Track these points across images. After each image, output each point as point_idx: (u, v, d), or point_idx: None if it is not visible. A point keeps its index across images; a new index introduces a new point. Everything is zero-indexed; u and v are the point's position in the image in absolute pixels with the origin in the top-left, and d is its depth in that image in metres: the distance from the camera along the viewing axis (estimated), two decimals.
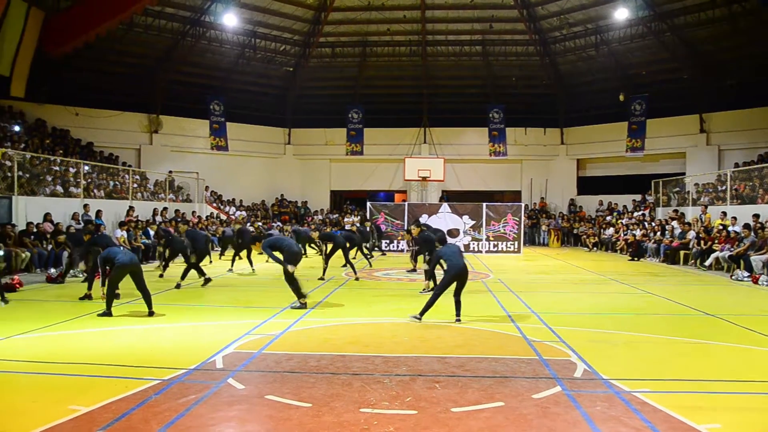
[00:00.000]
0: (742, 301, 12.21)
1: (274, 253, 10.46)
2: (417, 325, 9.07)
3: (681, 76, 27.97)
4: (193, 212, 25.65)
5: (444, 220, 23.31)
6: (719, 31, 24.89)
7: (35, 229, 16.18)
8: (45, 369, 6.53)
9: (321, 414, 5.18)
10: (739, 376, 6.50)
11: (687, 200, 24.48)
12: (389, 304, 11.20)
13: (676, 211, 23.40)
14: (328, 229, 17.58)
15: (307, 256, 21.45)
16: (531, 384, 6.07)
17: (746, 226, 17.10)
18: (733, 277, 15.54)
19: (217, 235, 22.06)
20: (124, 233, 18.09)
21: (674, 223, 21.54)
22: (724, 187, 22.41)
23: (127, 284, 9.81)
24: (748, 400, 5.82)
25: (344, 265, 15.53)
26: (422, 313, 9.24)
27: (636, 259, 21.33)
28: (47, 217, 17.08)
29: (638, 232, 23.13)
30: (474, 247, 23.54)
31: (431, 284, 12.14)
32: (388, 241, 24.03)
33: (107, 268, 9.74)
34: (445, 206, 24.51)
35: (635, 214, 26.56)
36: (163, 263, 15.57)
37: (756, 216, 17.54)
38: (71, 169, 20.90)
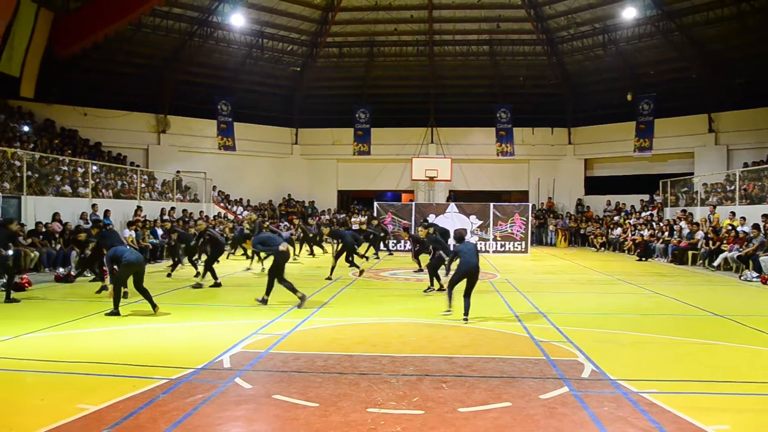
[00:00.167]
0: (750, 301, 12.15)
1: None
2: (424, 325, 9.08)
3: (689, 76, 27.81)
4: (201, 212, 25.71)
5: (451, 219, 23.24)
6: (728, 29, 24.74)
7: (44, 229, 16.27)
8: (53, 368, 6.57)
9: (328, 414, 5.18)
10: (748, 377, 6.46)
11: (695, 200, 24.36)
12: (396, 304, 11.20)
13: (684, 211, 23.28)
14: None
15: (314, 256, 21.52)
16: (538, 384, 6.06)
17: (755, 226, 16.99)
18: (741, 278, 15.44)
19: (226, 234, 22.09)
20: (132, 233, 18.16)
21: (682, 224, 21.43)
22: (732, 187, 22.28)
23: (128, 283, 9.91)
24: (757, 401, 5.79)
25: (351, 265, 15.54)
26: (466, 311, 9.34)
27: (644, 259, 21.24)
28: (56, 217, 17.17)
29: (646, 233, 23.03)
30: (481, 247, 23.41)
31: (437, 284, 12.21)
32: (395, 241, 24.02)
33: (114, 267, 9.80)
34: (452, 206, 24.48)
35: (643, 214, 26.43)
36: (190, 262, 15.40)
37: (765, 216, 17.40)
38: (79, 169, 21.01)
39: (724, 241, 18.12)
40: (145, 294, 9.85)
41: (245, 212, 28.89)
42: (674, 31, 26.15)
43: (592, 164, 32.52)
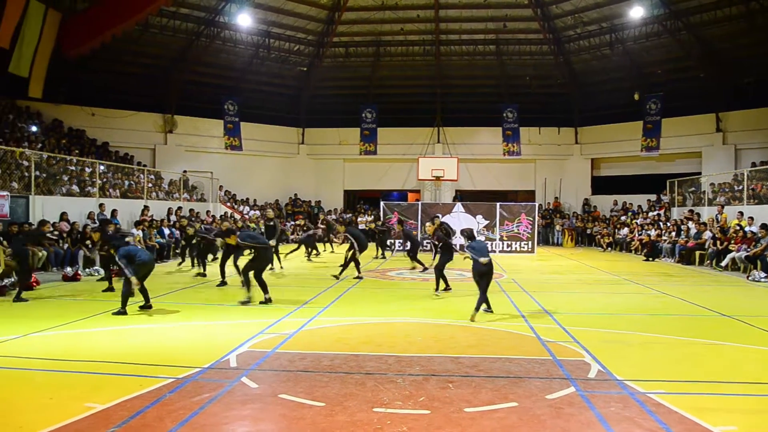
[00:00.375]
0: (758, 302, 12.07)
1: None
2: (430, 324, 9.09)
3: (697, 75, 27.70)
4: (208, 211, 25.79)
5: (458, 219, 23.23)
6: (736, 28, 24.62)
7: (51, 228, 16.32)
8: (61, 367, 6.61)
9: (334, 413, 5.19)
10: (756, 377, 6.43)
11: (702, 200, 24.24)
12: (402, 303, 11.19)
13: (691, 211, 23.17)
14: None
15: (325, 252, 21.51)
16: (545, 384, 6.05)
17: (763, 226, 16.86)
18: (749, 278, 15.36)
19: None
20: (140, 232, 18.24)
21: (690, 224, 21.34)
22: (740, 187, 22.18)
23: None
24: (765, 402, 5.78)
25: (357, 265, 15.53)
26: (477, 308, 9.45)
27: (651, 259, 21.17)
28: (63, 217, 17.25)
29: (653, 232, 22.95)
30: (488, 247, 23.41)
31: (443, 284, 12.19)
32: (401, 241, 23.99)
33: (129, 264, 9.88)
34: (458, 206, 24.45)
35: (650, 214, 26.33)
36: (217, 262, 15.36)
37: None
38: (87, 169, 21.10)
39: (732, 241, 18.02)
40: (144, 292, 9.97)
41: (251, 212, 28.95)
42: (682, 30, 26.04)
43: (598, 164, 32.43)
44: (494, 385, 6.02)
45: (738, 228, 18.29)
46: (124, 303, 9.67)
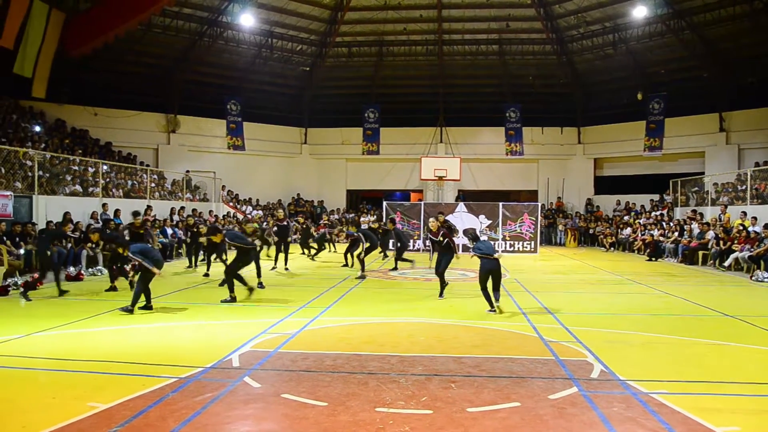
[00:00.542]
0: (761, 302, 12.04)
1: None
2: (433, 324, 9.09)
3: (700, 75, 27.64)
4: (210, 211, 25.81)
5: (460, 219, 23.22)
6: (739, 28, 24.55)
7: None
8: (64, 366, 6.63)
9: (337, 413, 5.19)
10: (759, 378, 6.41)
11: (706, 200, 24.20)
12: (405, 303, 11.19)
13: (694, 211, 23.14)
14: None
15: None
16: (547, 384, 6.05)
17: (766, 226, 16.86)
18: (753, 278, 15.32)
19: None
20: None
21: (693, 224, 21.30)
22: (744, 187, 22.12)
23: (123, 282, 10.00)
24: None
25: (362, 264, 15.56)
26: (497, 299, 9.96)
27: (654, 259, 21.13)
28: (66, 216, 17.27)
29: (656, 232, 22.91)
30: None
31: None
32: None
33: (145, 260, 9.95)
34: (461, 206, 24.44)
35: (653, 213, 26.29)
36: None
37: None
38: (90, 169, 21.14)
39: (735, 241, 17.99)
40: (147, 292, 10.03)
41: (254, 212, 28.97)
42: (685, 29, 25.96)
43: (601, 164, 32.39)
44: (497, 385, 6.02)
45: (741, 228, 18.24)
46: (134, 302, 9.73)
